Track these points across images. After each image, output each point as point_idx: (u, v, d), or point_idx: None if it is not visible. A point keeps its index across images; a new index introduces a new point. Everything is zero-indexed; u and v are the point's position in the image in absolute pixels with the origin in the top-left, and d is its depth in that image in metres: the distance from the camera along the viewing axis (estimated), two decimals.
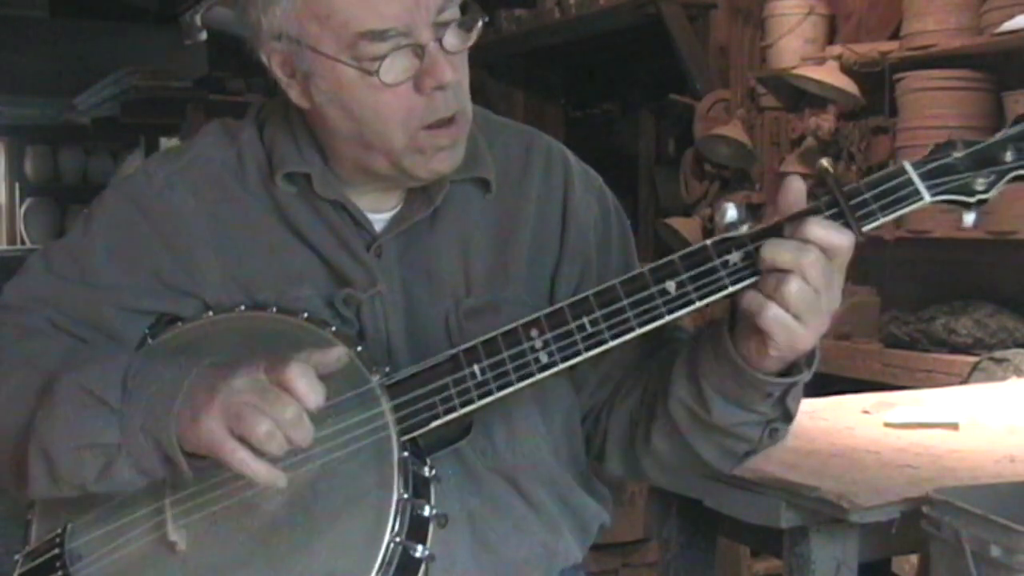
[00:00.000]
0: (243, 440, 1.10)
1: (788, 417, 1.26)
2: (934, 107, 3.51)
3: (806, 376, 1.22)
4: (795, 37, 4.10)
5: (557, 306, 1.19)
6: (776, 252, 1.12)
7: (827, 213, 1.14)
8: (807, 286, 1.11)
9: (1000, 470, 1.93)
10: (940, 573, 1.73)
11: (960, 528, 1.64)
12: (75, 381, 1.18)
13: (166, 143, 7.94)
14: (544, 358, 1.18)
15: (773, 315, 1.12)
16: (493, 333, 1.19)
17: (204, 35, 7.12)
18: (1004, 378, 2.88)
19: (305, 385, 1.11)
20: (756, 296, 1.13)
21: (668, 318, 1.17)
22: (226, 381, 1.12)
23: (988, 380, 2.92)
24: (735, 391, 1.22)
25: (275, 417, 1.10)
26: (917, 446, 2.10)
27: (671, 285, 1.17)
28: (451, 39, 1.23)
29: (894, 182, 1.15)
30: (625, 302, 1.17)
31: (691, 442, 1.29)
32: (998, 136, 1.17)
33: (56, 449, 1.17)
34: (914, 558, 2.72)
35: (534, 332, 1.18)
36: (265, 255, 1.30)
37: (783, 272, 1.11)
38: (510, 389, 1.19)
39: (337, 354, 1.15)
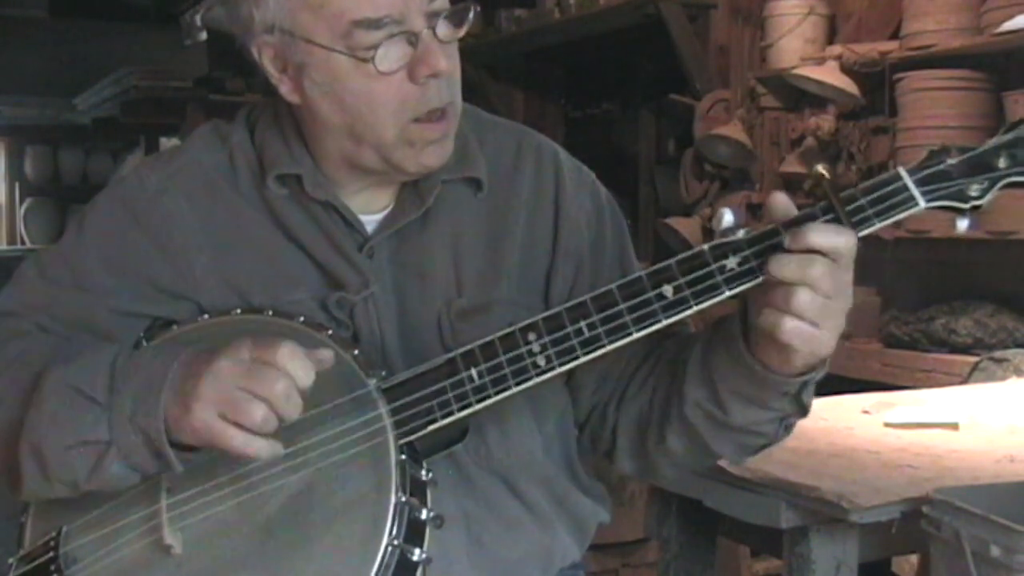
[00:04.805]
0: (238, 426, 1.11)
1: (804, 411, 1.27)
2: (934, 107, 3.50)
3: (821, 372, 1.22)
4: (795, 37, 4.10)
5: (555, 310, 1.19)
6: (781, 268, 1.12)
7: (823, 219, 1.15)
8: (817, 296, 1.11)
9: (1000, 470, 1.93)
10: (940, 573, 1.72)
11: (960, 528, 1.63)
12: (63, 378, 1.18)
13: (166, 143, 7.92)
14: (542, 362, 1.18)
15: (791, 328, 1.12)
16: (490, 337, 1.19)
17: (204, 35, 7.12)
18: (1004, 378, 2.87)
19: (297, 365, 1.11)
20: (770, 312, 1.13)
21: (665, 322, 1.18)
22: (208, 366, 1.12)
23: (988, 380, 2.91)
24: (752, 392, 1.23)
25: (266, 396, 1.10)
26: (917, 446, 2.09)
27: (668, 289, 1.17)
28: (443, 28, 1.24)
29: (889, 188, 1.16)
30: (622, 306, 1.17)
31: (708, 442, 1.30)
32: (991, 142, 1.17)
33: (47, 448, 1.17)
34: (914, 558, 2.72)
35: (531, 336, 1.18)
36: (258, 259, 1.31)
37: (792, 286, 1.11)
38: (507, 393, 1.19)
39: (325, 355, 1.16)
